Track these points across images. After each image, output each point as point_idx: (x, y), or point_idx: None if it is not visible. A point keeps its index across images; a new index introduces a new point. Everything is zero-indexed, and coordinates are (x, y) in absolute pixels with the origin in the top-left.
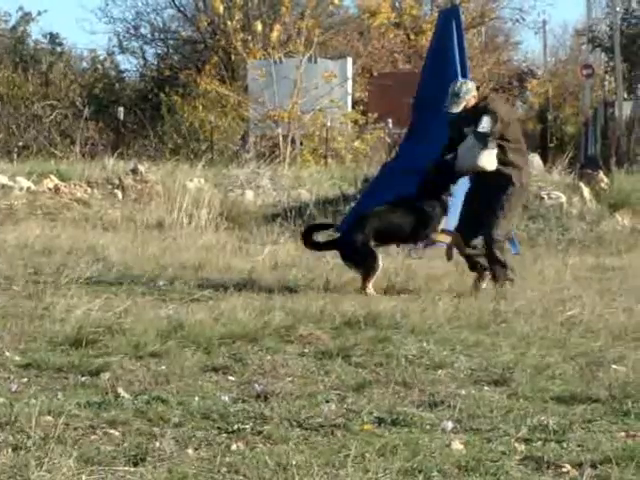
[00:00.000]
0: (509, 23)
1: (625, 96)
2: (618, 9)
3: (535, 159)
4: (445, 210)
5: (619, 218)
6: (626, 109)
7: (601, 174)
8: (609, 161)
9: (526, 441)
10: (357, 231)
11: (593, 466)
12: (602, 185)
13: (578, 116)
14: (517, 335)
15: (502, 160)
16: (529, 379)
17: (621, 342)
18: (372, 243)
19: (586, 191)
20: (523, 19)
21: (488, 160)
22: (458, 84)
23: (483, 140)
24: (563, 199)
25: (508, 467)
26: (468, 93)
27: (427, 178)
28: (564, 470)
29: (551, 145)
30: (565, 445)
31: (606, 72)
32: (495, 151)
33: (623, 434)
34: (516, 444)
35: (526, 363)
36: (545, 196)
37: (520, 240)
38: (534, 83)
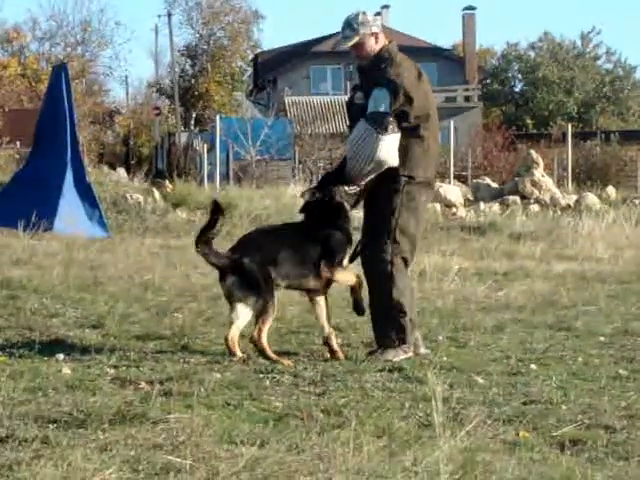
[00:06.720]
0: (102, 76)
1: (182, 129)
2: (177, 69)
3: (121, 172)
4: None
5: (179, 212)
6: (183, 138)
7: (167, 182)
8: (172, 173)
9: (115, 367)
10: None
11: (161, 383)
12: (168, 190)
13: (150, 142)
14: (109, 293)
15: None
16: (117, 324)
17: (181, 298)
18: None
19: (157, 193)
20: (112, 73)
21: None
22: (354, 13)
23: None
24: (141, 199)
25: (102, 384)
26: (364, 26)
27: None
28: (140, 386)
29: (132, 162)
30: (141, 369)
31: (169, 112)
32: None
33: (182, 361)
34: (107, 369)
35: (115, 313)
36: (129, 197)
37: (112, 227)
38: (120, 118)
